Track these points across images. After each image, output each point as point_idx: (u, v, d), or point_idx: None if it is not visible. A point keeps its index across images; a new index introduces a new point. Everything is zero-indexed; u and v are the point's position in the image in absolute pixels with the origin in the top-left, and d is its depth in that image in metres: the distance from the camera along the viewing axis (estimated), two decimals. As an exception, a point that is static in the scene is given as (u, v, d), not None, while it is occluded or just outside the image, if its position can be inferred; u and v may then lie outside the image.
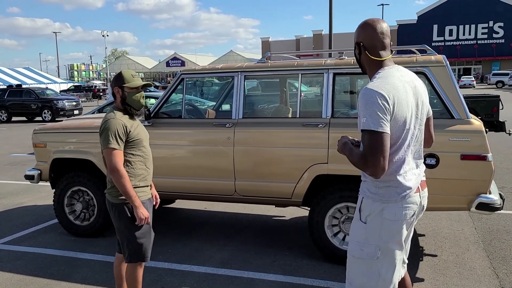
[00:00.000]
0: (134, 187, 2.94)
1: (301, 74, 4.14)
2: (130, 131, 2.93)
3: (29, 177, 5.01)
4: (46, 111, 20.80)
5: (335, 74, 3.99)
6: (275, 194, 4.17)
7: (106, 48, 47.05)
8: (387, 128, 1.94)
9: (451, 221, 5.16)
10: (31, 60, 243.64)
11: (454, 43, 54.64)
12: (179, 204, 6.20)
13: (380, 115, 1.93)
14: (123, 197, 2.89)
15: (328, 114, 3.97)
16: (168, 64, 66.03)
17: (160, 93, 12.06)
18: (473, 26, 54.23)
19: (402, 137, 2.02)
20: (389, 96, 1.95)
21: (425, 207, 2.18)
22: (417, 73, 3.74)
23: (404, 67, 3.74)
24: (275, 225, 5.28)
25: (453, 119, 3.60)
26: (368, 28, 2.11)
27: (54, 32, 77.49)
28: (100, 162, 4.64)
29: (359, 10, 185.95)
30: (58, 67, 68.43)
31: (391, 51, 2.16)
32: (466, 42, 55.36)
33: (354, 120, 3.96)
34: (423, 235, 4.73)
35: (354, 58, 2.42)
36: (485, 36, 53.92)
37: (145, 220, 2.91)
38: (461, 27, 54.45)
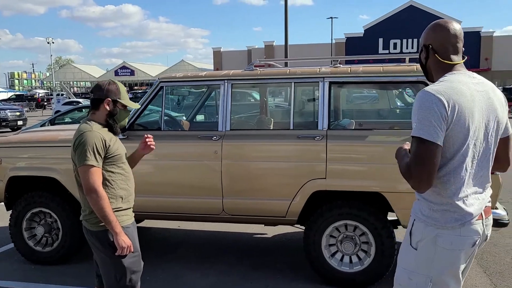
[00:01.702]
0: (116, 210, 2.54)
1: (294, 82, 3.87)
2: (109, 146, 2.53)
3: (-20, 198, 4.37)
4: (-14, 122, 19.27)
5: (331, 83, 3.75)
6: (268, 213, 3.85)
7: (51, 55, 44.90)
8: (439, 139, 1.69)
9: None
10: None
11: (398, 56, 56.92)
12: (148, 222, 5.71)
13: (434, 122, 1.68)
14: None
15: (325, 125, 3.71)
16: (116, 73, 63.82)
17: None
18: (415, 40, 56.91)
19: (461, 153, 1.76)
20: (448, 102, 1.70)
21: (488, 237, 1.91)
22: (417, 82, 3.59)
23: (404, 76, 3.64)
24: (259, 244, 4.95)
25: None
26: (439, 30, 1.88)
27: (-9, 39, 72.94)
28: (66, 179, 4.12)
29: (308, 22, 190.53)
30: (-4, 75, 64.31)
31: (460, 58, 1.92)
32: (409, 56, 57.84)
33: (353, 132, 3.74)
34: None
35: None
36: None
37: (127, 249, 2.50)
38: (404, 41, 56.97)
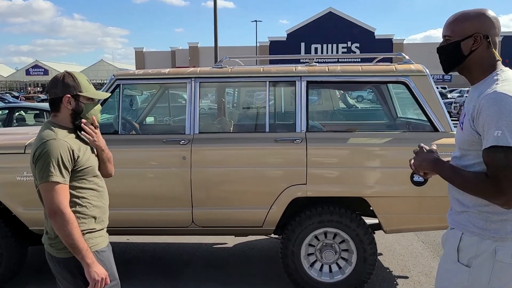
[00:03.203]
0: (88, 232, 2.12)
1: (269, 81, 3.61)
2: (78, 156, 2.08)
3: None
4: None
5: (308, 82, 3.55)
6: (243, 223, 3.55)
7: (-49, 51, 40.11)
8: None
9: (396, 236, 5.08)
10: None
11: (319, 59, 59.15)
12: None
13: None
14: None
15: (303, 128, 3.50)
16: (28, 73, 59.24)
17: (45, 105, 10.42)
18: (334, 45, 59.49)
19: None
20: None
21: None
22: (397, 82, 3.51)
23: (384, 76, 3.55)
24: (222, 256, 4.61)
25: (437, 132, 3.42)
26: (495, 21, 1.68)
27: None
28: (2, 192, 3.52)
29: (231, 25, 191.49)
30: None
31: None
32: (329, 59, 60.43)
33: (332, 135, 3.57)
34: (380, 254, 4.52)
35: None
36: (345, 54, 59.54)
37: (102, 281, 2.06)
38: (324, 45, 59.30)
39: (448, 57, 1.77)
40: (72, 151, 2.05)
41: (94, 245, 2.12)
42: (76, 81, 2.11)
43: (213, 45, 21.69)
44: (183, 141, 3.50)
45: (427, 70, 3.47)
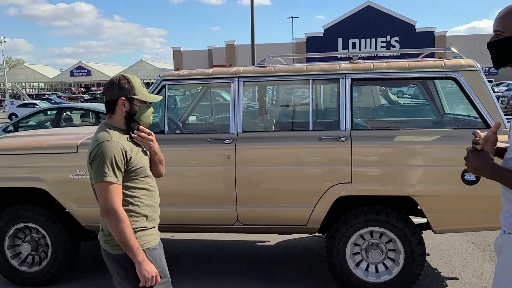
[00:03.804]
0: (140, 230, 2.17)
1: (313, 79, 3.59)
2: (130, 157, 2.15)
3: (-45, 214, 3.82)
4: None
5: (352, 80, 3.51)
6: (287, 221, 3.55)
7: (3, 55, 42.23)
8: None
9: (444, 236, 4.93)
10: None
11: (353, 55, 58.04)
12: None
13: None
14: None
15: (348, 126, 3.46)
16: (72, 74, 61.48)
17: (90, 105, 10.82)
18: (373, 40, 58.25)
19: None
20: None
21: None
22: (447, 78, 3.40)
23: (432, 71, 3.45)
24: (265, 253, 4.64)
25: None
26: None
27: None
28: (57, 190, 3.67)
29: (267, 22, 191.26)
30: None
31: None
32: (367, 55, 59.24)
33: (378, 133, 3.50)
34: (428, 254, 4.40)
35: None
36: (384, 49, 58.19)
37: (152, 279, 2.12)
38: (362, 40, 58.19)
39: (499, 53, 1.70)
40: (125, 152, 2.12)
41: (146, 243, 2.17)
42: (130, 84, 2.19)
43: (249, 43, 21.75)
44: (228, 140, 3.54)
45: (479, 65, 3.35)
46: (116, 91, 2.17)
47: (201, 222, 3.66)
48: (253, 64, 20.56)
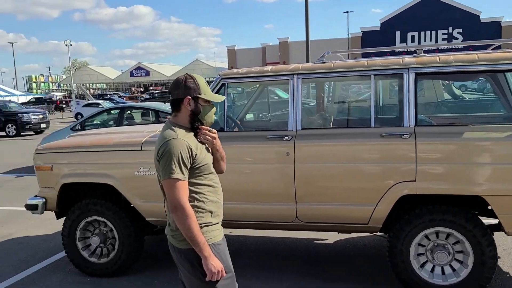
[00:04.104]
0: (205, 226, 2.21)
1: (374, 75, 3.49)
2: (196, 155, 2.19)
3: (32, 207, 4.10)
4: (10, 125, 19.20)
5: (417, 74, 3.37)
6: (347, 220, 3.49)
7: (70, 58, 44.97)
8: None
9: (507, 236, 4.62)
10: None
11: (416, 49, 55.78)
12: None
13: None
14: None
15: (412, 122, 3.33)
16: (132, 74, 63.89)
17: (150, 104, 11.22)
18: (433, 32, 55.82)
19: None
20: None
21: None
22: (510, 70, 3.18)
23: (505, 64, 3.22)
24: (323, 252, 4.59)
25: None
26: None
27: (10, 43, 73.84)
28: (123, 186, 3.83)
29: (324, 17, 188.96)
30: (15, 79, 64.99)
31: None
32: (427, 48, 56.72)
33: (445, 129, 3.35)
34: (499, 257, 4.15)
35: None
36: (445, 42, 55.55)
37: (218, 274, 2.16)
38: (422, 33, 55.91)
39: None
40: (191, 149, 2.17)
41: (211, 238, 2.22)
42: (196, 84, 2.23)
43: (303, 40, 21.57)
44: (287, 137, 3.53)
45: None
46: (183, 90, 2.22)
47: (260, 218, 3.68)
48: (307, 61, 20.40)
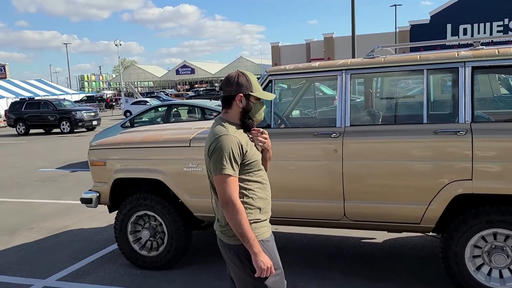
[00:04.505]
0: (254, 222, 2.20)
1: (427, 69, 3.37)
2: (246, 151, 2.18)
3: (86, 201, 4.28)
4: (64, 122, 20.16)
5: (473, 68, 3.22)
6: (398, 219, 3.39)
7: (119, 57, 46.36)
8: None
9: None
10: (40, 72, 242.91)
11: (470, 42, 53.34)
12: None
13: None
14: None
15: (468, 118, 3.19)
16: (178, 72, 65.33)
17: (195, 101, 11.41)
18: (487, 24, 53.14)
19: None
20: None
21: None
22: None
23: None
24: (371, 251, 4.49)
25: None
26: None
27: (64, 44, 77.63)
28: (172, 181, 3.91)
29: (370, 11, 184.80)
30: (69, 78, 68.14)
31: None
32: (482, 41, 53.99)
33: (504, 125, 3.17)
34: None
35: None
36: (501, 34, 52.83)
37: (267, 270, 2.15)
38: (475, 25, 53.40)
39: None
40: (241, 146, 2.17)
41: (259, 235, 2.21)
42: (249, 81, 2.23)
43: (348, 35, 21.19)
44: (335, 134, 3.48)
45: None
46: (235, 87, 2.22)
47: (308, 216, 3.65)
48: (353, 56, 20.01)
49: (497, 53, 3.17)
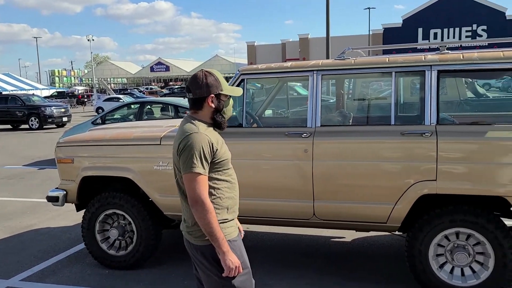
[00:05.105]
0: (222, 222, 2.19)
1: (395, 72, 3.44)
2: (217, 150, 2.17)
3: (53, 199, 4.18)
4: (33, 118, 19.62)
5: (439, 72, 3.31)
6: (365, 218, 3.46)
7: (92, 52, 45.53)
8: None
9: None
10: (8, 66, 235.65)
11: (439, 46, 54.69)
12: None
13: None
14: None
15: (433, 120, 3.27)
16: (152, 69, 64.49)
17: (169, 99, 11.29)
18: (457, 29, 54.67)
19: None
20: None
21: None
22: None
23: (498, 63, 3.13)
24: (341, 250, 4.56)
25: None
26: None
27: (34, 37, 75.50)
28: (141, 179, 3.87)
29: (345, 14, 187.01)
30: (39, 73, 66.41)
31: None
32: (450, 45, 55.46)
33: (467, 128, 3.28)
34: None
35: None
36: (469, 39, 54.39)
37: (235, 269, 2.15)
38: (445, 30, 54.84)
39: None
40: (212, 144, 2.15)
41: (226, 235, 2.19)
42: (217, 80, 2.21)
43: (323, 36, 21.39)
44: (305, 134, 3.51)
45: None
46: (205, 88, 2.18)
47: (278, 215, 3.67)
48: (327, 57, 20.22)
49: (461, 57, 3.27)
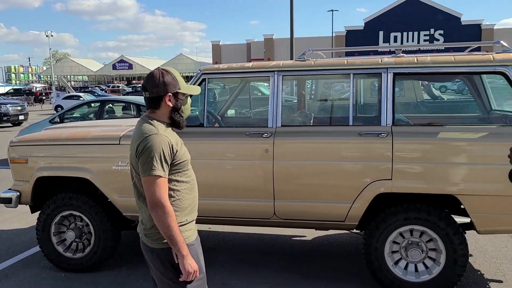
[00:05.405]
0: (181, 225, 2.16)
1: (353, 74, 3.52)
2: (176, 151, 2.13)
3: (6, 201, 4.03)
4: (-13, 116, 18.80)
5: (395, 74, 3.42)
6: (325, 217, 3.52)
7: (50, 49, 44.16)
8: None
9: (488, 237, 4.75)
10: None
11: (399, 49, 56.28)
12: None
13: None
14: None
15: (389, 121, 3.38)
16: (114, 67, 63.16)
17: (131, 98, 11.09)
18: (416, 33, 56.50)
19: None
20: None
21: None
22: (495, 73, 3.25)
23: (480, 66, 3.30)
24: (302, 248, 4.62)
25: (541, 127, 3.13)
26: None
27: (-13, 32, 72.02)
28: (100, 180, 3.79)
29: (309, 15, 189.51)
30: (-7, 69, 63.34)
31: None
32: (409, 49, 57.27)
33: (421, 129, 3.40)
34: (471, 255, 4.26)
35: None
36: (427, 43, 56.28)
37: (193, 274, 2.12)
38: (405, 34, 56.55)
39: None
40: (172, 145, 2.10)
41: (185, 238, 2.14)
42: (174, 79, 2.16)
43: (288, 37, 21.58)
44: (266, 134, 3.54)
45: (530, 59, 3.18)
46: (162, 87, 2.13)
47: (239, 215, 3.68)
48: (291, 58, 20.42)
49: (415, 61, 3.39)
